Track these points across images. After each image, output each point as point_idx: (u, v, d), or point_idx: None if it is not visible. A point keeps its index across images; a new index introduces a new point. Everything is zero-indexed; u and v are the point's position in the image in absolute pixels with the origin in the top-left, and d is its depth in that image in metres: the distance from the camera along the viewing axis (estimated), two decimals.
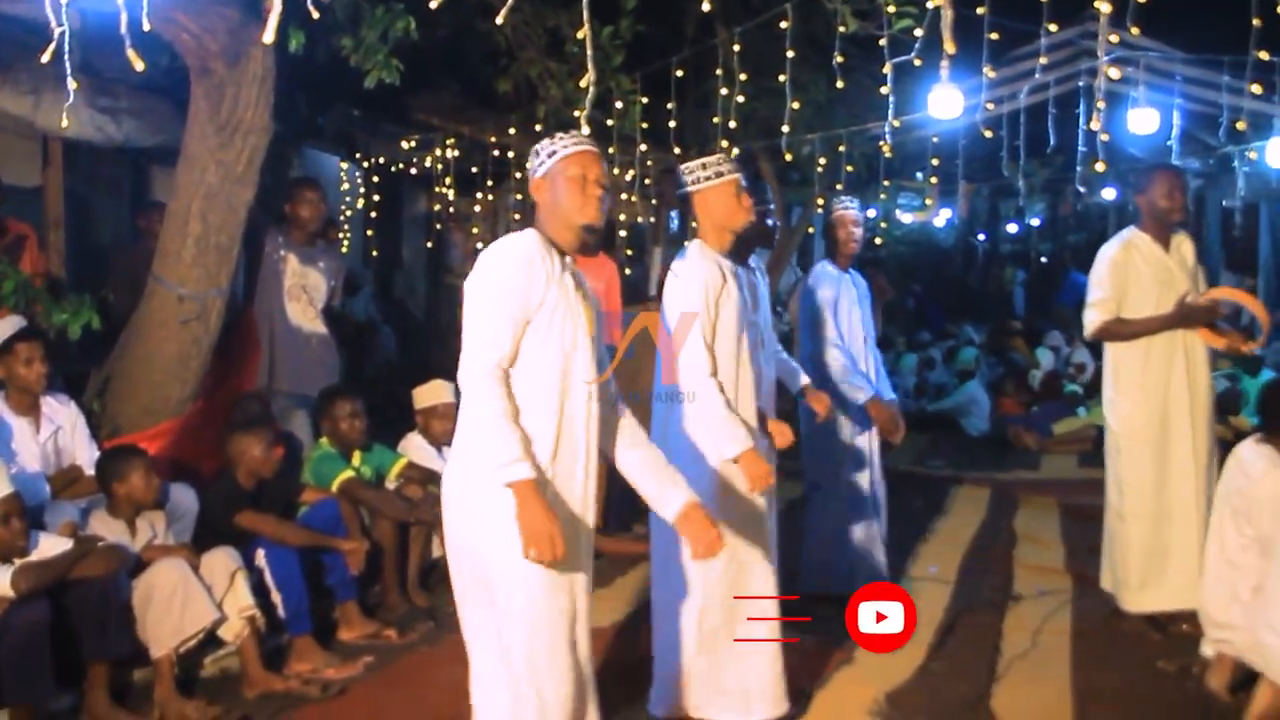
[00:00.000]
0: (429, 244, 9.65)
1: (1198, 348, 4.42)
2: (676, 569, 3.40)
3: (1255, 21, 5.28)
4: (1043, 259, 19.00)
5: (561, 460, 2.61)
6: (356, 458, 5.00)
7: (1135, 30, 5.08)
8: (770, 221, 5.29)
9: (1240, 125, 7.63)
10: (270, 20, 3.17)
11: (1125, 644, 4.37)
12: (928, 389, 11.17)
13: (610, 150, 6.88)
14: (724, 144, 7.02)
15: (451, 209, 8.73)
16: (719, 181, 3.46)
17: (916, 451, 9.07)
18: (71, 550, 3.61)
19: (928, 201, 12.05)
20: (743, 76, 6.71)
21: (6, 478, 3.56)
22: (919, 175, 10.62)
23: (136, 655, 3.78)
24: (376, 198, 8.86)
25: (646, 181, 8.48)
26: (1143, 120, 7.26)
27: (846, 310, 4.91)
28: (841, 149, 8.10)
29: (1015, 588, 5.23)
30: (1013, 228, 18.97)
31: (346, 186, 8.67)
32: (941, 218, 15.59)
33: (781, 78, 6.10)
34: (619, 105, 6.79)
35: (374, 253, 9.42)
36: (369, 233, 9.27)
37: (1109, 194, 13.10)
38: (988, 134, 7.99)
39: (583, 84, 4.19)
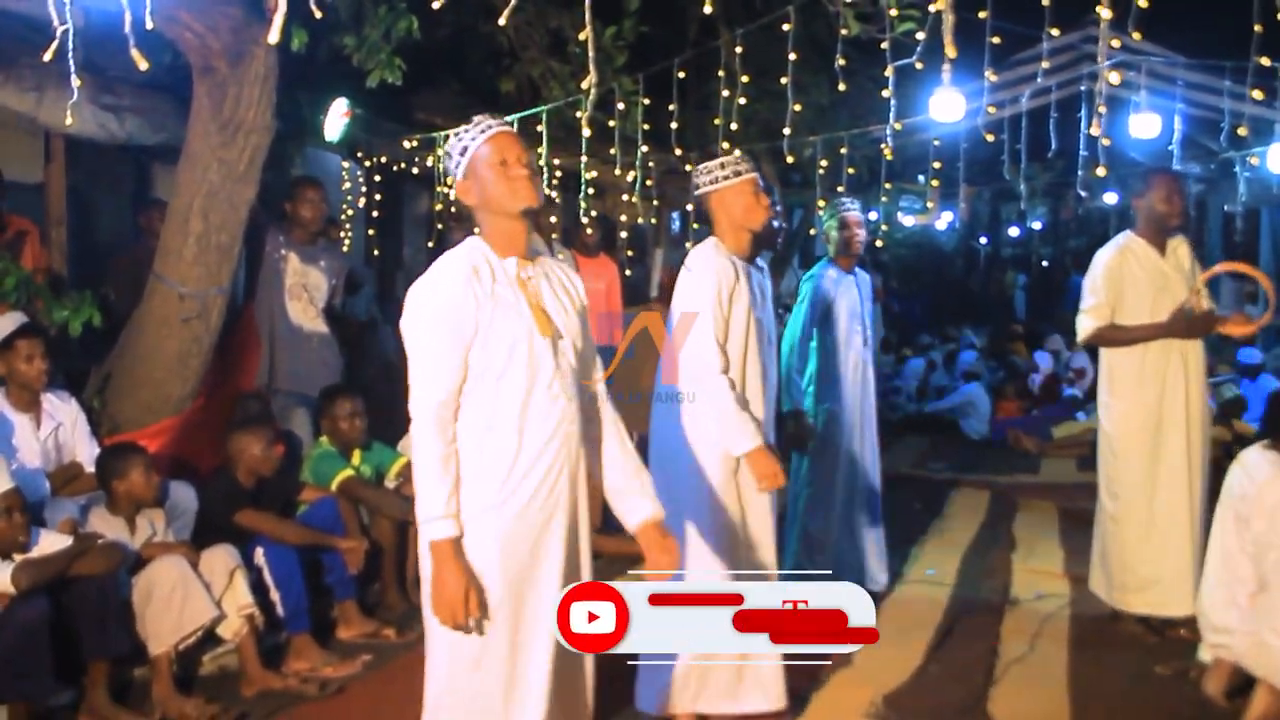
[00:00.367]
0: (430, 243, 9.62)
1: (1194, 352, 4.41)
2: None
3: (1256, 27, 5.28)
4: (1044, 263, 19.01)
5: (529, 470, 2.48)
6: (356, 457, 5.00)
7: (1137, 35, 5.08)
8: (776, 223, 5.31)
9: (1241, 130, 7.64)
10: (275, 20, 3.17)
11: (1122, 648, 4.36)
12: (929, 392, 11.18)
13: (612, 151, 6.89)
14: (725, 145, 7.02)
15: (453, 209, 8.72)
16: (737, 181, 3.47)
17: (917, 454, 9.08)
18: (71, 547, 3.62)
19: (929, 204, 12.05)
20: (745, 78, 6.72)
21: (7, 473, 3.57)
22: (920, 178, 10.63)
23: (136, 652, 3.78)
24: (378, 197, 8.85)
25: (648, 183, 8.48)
26: (1144, 125, 7.28)
27: (846, 312, 4.91)
28: (843, 151, 8.11)
29: (1013, 591, 5.21)
30: (1014, 231, 19.01)
31: (348, 185, 8.66)
32: (943, 221, 15.62)
33: (783, 80, 6.10)
34: (621, 106, 6.80)
35: (375, 252, 9.40)
36: (370, 232, 9.25)
37: (1110, 198, 13.12)
38: (989, 137, 8.02)
39: (585, 85, 4.20)
